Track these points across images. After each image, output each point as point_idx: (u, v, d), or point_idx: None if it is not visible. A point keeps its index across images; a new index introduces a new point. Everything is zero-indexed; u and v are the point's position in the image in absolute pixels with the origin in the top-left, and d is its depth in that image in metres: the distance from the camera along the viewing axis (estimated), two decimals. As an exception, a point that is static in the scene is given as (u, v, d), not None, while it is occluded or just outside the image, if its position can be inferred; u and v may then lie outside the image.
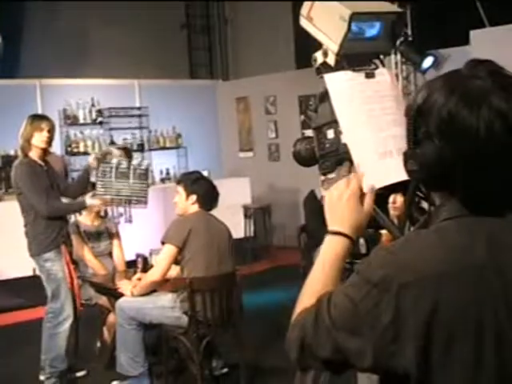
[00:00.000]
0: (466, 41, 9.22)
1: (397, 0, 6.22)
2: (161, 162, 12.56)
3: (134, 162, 6.57)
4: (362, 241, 2.43)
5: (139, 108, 12.81)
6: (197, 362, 5.42)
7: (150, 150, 12.80)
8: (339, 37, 2.33)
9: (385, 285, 1.46)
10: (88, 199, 6.19)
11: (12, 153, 11.20)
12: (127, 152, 8.39)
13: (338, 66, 2.45)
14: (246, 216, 11.86)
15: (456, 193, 1.53)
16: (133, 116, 12.72)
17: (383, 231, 2.43)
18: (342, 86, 2.37)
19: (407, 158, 1.58)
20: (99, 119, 12.28)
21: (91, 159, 6.38)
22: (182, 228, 5.50)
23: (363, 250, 2.43)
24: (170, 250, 5.45)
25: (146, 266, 6.19)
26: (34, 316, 8.11)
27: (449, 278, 1.44)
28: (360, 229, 1.85)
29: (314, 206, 2.31)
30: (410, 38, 10.40)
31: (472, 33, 9.18)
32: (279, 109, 13.03)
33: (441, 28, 10.02)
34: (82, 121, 12.03)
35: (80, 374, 6.27)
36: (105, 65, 12.75)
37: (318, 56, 2.49)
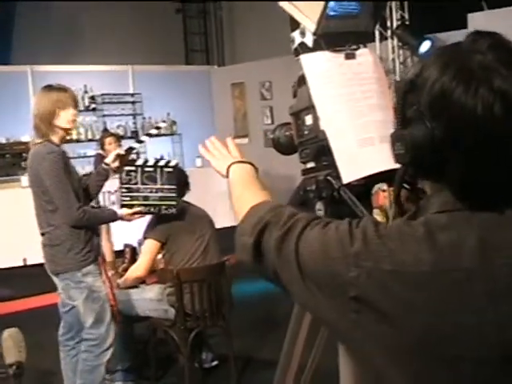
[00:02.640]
0: (463, 24, 9.05)
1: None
2: (155, 149, 12.40)
3: (161, 161, 5.41)
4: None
5: (133, 94, 12.68)
6: (185, 355, 5.31)
7: (145, 134, 12.63)
8: (316, 14, 2.15)
9: (359, 260, 1.31)
10: (119, 210, 5.12)
11: (3, 140, 11.10)
12: (117, 139, 8.25)
13: (317, 47, 2.28)
14: (240, 204, 11.70)
15: (448, 182, 1.33)
16: (126, 102, 12.60)
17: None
18: (320, 68, 2.19)
19: (394, 139, 1.38)
20: (92, 106, 12.16)
21: (111, 158, 5.02)
22: (164, 221, 5.40)
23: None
24: (152, 245, 5.41)
25: (135, 257, 6.08)
26: (23, 307, 8.00)
27: (427, 280, 1.27)
28: None
29: (304, 196, 2.20)
30: (407, 22, 10.25)
31: (470, 16, 9.02)
32: (275, 95, 12.88)
33: (438, 11, 9.83)
34: (74, 107, 11.86)
35: None
36: (98, 51, 12.64)
37: (296, 36, 2.32)
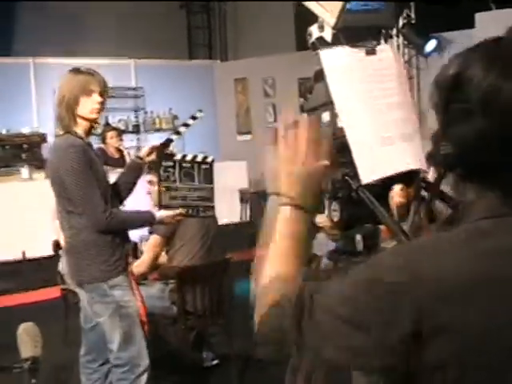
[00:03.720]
0: (471, 24, 8.99)
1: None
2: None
3: (199, 157, 4.72)
4: (358, 237, 2.19)
5: (135, 88, 12.61)
6: (186, 353, 5.26)
7: (146, 131, 12.59)
8: (337, 8, 2.08)
9: (398, 293, 1.19)
10: (157, 212, 4.48)
11: (4, 132, 11.04)
12: (118, 133, 8.17)
13: (336, 42, 2.20)
14: (242, 200, 11.68)
15: (497, 185, 1.24)
16: (128, 97, 12.51)
17: (382, 226, 2.17)
18: (339, 64, 2.12)
19: (439, 139, 1.29)
20: (94, 99, 12.08)
21: (146, 151, 4.53)
22: None
23: (360, 247, 2.18)
24: (157, 241, 5.34)
25: (136, 253, 6.01)
26: (21, 301, 7.95)
27: (479, 293, 1.18)
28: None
29: None
30: (413, 21, 10.19)
31: (477, 15, 8.95)
32: (278, 91, 12.82)
33: (445, 11, 9.76)
34: (76, 101, 11.80)
35: None
36: (100, 44, 12.57)
37: (314, 30, 2.24)
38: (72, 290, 6.03)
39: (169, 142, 4.62)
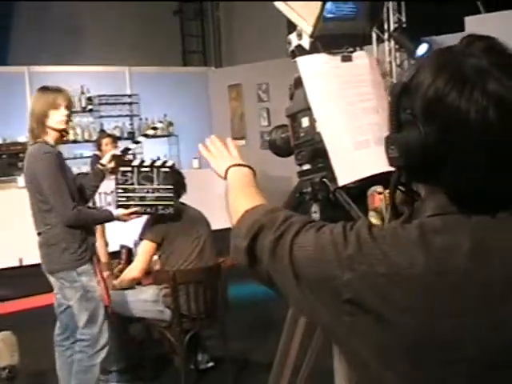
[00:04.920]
0: (461, 28, 9.06)
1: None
2: (152, 151, 12.38)
3: (158, 162, 5.45)
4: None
5: (130, 95, 12.68)
6: (181, 356, 5.30)
7: (141, 135, 12.61)
8: (313, 16, 2.15)
9: (353, 263, 1.30)
10: (115, 210, 5.13)
11: (0, 141, 11.10)
12: (113, 140, 8.24)
13: (314, 49, 2.28)
14: (236, 205, 11.69)
15: (442, 186, 1.33)
16: (123, 104, 12.60)
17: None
18: (316, 70, 2.20)
19: (389, 143, 1.38)
20: (89, 107, 12.16)
21: (107, 159, 5.08)
22: (160, 222, 5.39)
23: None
24: (148, 246, 5.39)
25: (131, 258, 6.07)
26: (19, 307, 7.99)
27: (421, 283, 1.27)
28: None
29: (299, 199, 2.19)
30: (404, 25, 10.26)
31: (467, 19, 9.02)
32: (272, 96, 12.88)
33: (436, 15, 9.84)
34: (71, 108, 11.84)
35: None
36: (95, 52, 12.63)
37: (293, 38, 2.32)
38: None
39: (126, 150, 5.33)
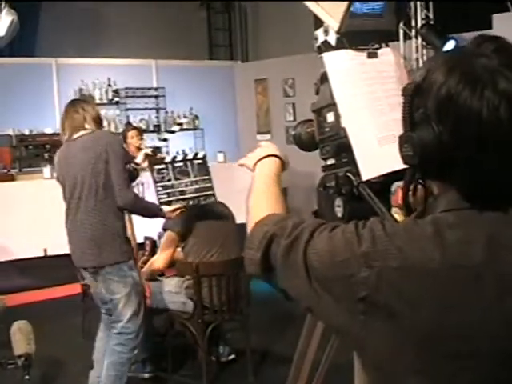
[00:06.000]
0: (488, 25, 9.01)
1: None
2: (177, 144, 12.42)
3: (189, 155, 5.64)
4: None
5: (156, 89, 12.71)
6: (202, 348, 5.34)
7: (167, 131, 12.68)
8: (340, 13, 2.17)
9: (368, 260, 1.32)
10: (165, 207, 5.24)
11: (27, 132, 11.18)
12: (139, 132, 8.29)
13: (340, 45, 2.30)
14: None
15: (455, 182, 1.36)
16: (149, 96, 12.63)
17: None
18: (342, 66, 2.22)
19: (402, 141, 1.41)
20: (115, 99, 12.22)
21: (141, 158, 5.30)
22: (184, 214, 5.40)
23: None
24: (171, 237, 5.42)
25: (155, 249, 6.12)
26: (43, 297, 8.08)
27: (436, 277, 1.29)
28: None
29: (325, 193, 2.19)
30: (432, 22, 10.22)
31: (494, 17, 8.97)
32: (298, 91, 12.87)
33: (463, 12, 9.79)
34: (98, 101, 11.90)
35: None
36: (122, 44, 12.68)
37: (319, 34, 2.34)
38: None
39: (157, 149, 5.60)
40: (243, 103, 13.88)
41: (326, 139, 2.34)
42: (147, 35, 13.02)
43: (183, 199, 5.34)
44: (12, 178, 10.33)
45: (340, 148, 2.28)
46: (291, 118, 12.89)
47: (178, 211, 5.24)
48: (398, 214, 2.34)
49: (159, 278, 5.63)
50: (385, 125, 2.19)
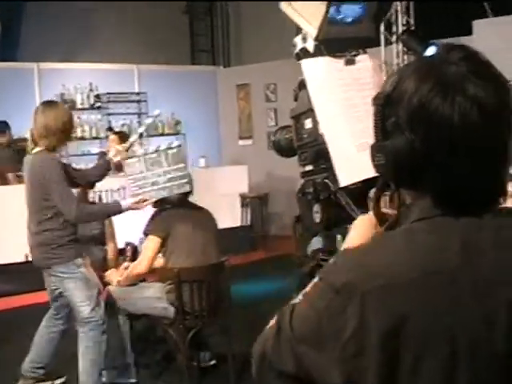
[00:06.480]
0: (469, 31, 9.08)
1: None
2: (159, 149, 12.40)
3: (162, 146, 5.50)
4: (339, 237, 2.31)
5: (138, 93, 12.70)
6: (184, 353, 5.33)
7: (149, 136, 12.66)
8: (318, 20, 2.19)
9: (348, 292, 1.31)
10: (123, 201, 5.40)
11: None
12: (123, 137, 8.27)
13: (318, 52, 2.32)
14: (242, 205, 11.75)
15: (428, 189, 1.37)
16: (131, 101, 12.61)
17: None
18: (319, 73, 2.24)
19: (374, 151, 1.41)
20: (97, 104, 12.19)
21: (113, 153, 5.44)
22: (165, 218, 5.41)
23: (340, 246, 2.30)
24: (153, 242, 5.38)
25: (136, 255, 6.10)
26: (25, 302, 8.03)
27: (418, 286, 1.30)
28: None
29: (304, 198, 2.20)
30: (413, 28, 10.27)
31: (475, 23, 9.05)
32: (279, 97, 12.90)
33: (444, 18, 9.86)
34: (79, 105, 11.90)
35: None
36: (104, 49, 12.67)
37: (298, 41, 2.37)
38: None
39: (130, 144, 5.56)
40: (225, 108, 13.90)
41: (305, 145, 2.36)
42: (129, 40, 13.02)
43: (155, 190, 5.33)
44: (-9, 183, 10.27)
45: (318, 154, 2.30)
46: (273, 123, 12.92)
47: (145, 203, 5.30)
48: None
49: (140, 283, 5.60)
50: (362, 132, 2.21)
